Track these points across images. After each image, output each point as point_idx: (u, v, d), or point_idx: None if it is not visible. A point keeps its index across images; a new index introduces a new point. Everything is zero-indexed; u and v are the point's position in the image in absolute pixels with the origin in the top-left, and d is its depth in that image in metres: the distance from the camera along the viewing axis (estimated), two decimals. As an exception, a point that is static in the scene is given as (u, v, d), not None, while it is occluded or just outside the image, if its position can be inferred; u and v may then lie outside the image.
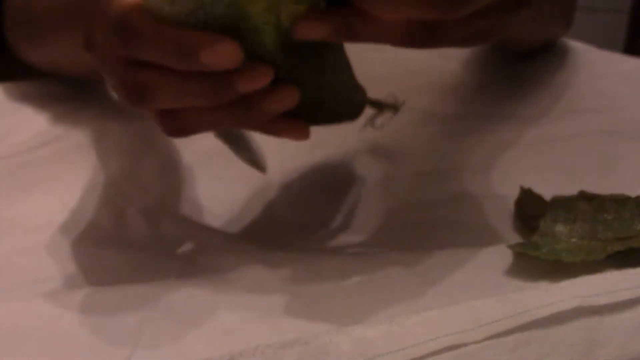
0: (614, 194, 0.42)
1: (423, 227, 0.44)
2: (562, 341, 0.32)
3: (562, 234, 0.40)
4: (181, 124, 0.34)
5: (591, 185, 0.44)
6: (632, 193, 0.43)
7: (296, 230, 0.44)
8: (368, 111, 0.41)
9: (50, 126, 0.58)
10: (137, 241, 0.43)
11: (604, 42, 0.82)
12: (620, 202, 0.42)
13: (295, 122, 0.37)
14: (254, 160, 0.52)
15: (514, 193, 0.44)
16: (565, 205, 0.42)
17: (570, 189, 0.43)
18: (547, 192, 0.44)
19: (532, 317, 0.33)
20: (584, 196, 0.42)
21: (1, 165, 0.52)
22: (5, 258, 0.41)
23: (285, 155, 0.53)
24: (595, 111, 0.64)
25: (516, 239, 0.42)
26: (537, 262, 0.38)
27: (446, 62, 0.67)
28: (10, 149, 0.55)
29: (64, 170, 0.51)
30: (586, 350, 0.32)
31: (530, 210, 0.43)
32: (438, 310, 0.33)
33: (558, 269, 0.37)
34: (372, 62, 0.80)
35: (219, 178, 0.50)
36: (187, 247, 0.42)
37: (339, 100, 0.40)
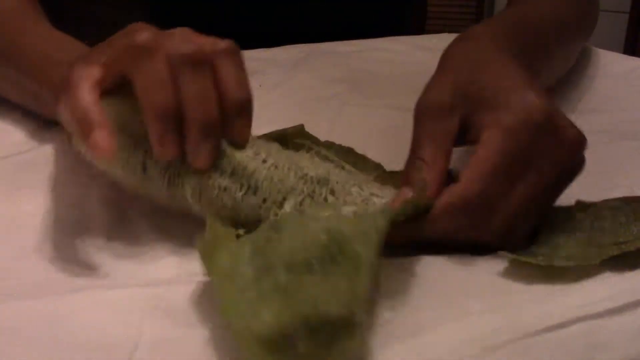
0: (609, 201, 0.42)
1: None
2: (562, 346, 0.32)
3: (560, 247, 0.40)
4: None
5: (591, 186, 0.44)
6: (632, 193, 0.43)
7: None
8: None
9: (50, 126, 0.58)
10: (138, 240, 0.43)
11: (604, 42, 0.82)
12: (616, 208, 0.41)
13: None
14: None
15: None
16: (563, 216, 0.42)
17: (569, 189, 0.43)
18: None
19: (527, 331, 0.33)
20: (580, 206, 0.42)
21: (1, 165, 0.52)
22: (6, 258, 0.41)
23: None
24: (595, 111, 0.64)
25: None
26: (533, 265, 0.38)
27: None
28: (10, 149, 0.54)
29: (63, 170, 0.51)
30: (586, 354, 0.32)
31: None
32: (432, 333, 0.33)
33: (554, 270, 0.37)
34: (376, 63, 0.80)
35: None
36: (188, 247, 0.42)
37: None
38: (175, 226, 0.44)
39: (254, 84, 0.72)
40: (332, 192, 0.40)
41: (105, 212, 0.45)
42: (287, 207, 0.40)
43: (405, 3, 1.04)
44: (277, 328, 0.30)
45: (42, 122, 0.59)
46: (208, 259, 0.35)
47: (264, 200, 0.39)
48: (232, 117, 0.40)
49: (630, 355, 0.32)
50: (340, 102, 0.65)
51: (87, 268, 0.40)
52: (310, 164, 0.41)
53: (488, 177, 0.38)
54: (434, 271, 0.39)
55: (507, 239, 0.40)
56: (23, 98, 0.59)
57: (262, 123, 0.58)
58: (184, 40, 0.39)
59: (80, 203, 0.47)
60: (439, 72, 0.44)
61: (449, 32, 0.84)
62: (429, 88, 0.43)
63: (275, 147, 0.43)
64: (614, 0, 2.30)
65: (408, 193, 0.40)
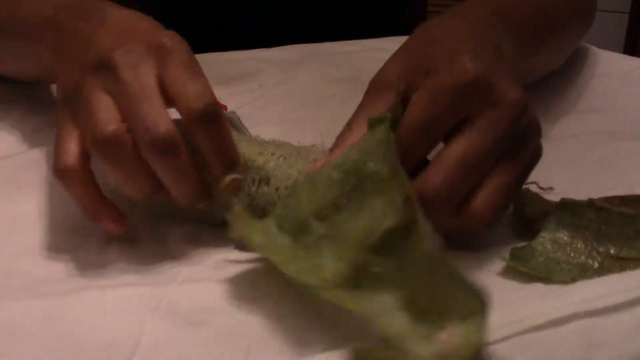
0: (622, 208, 0.42)
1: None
2: (560, 345, 0.32)
3: (564, 242, 0.40)
4: None
5: (591, 185, 0.44)
6: (632, 193, 0.43)
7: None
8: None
9: (51, 125, 0.58)
10: (139, 241, 0.43)
11: (604, 42, 0.82)
12: (627, 218, 0.41)
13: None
14: None
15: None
16: (572, 210, 0.42)
17: (570, 189, 0.43)
18: (546, 191, 0.44)
19: (526, 325, 0.33)
20: (592, 205, 0.42)
21: (1, 165, 0.52)
22: (6, 258, 0.41)
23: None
24: (595, 111, 0.64)
25: (515, 239, 0.42)
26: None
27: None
28: (11, 148, 0.55)
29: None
30: (585, 352, 0.32)
31: (529, 210, 0.43)
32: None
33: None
34: (376, 63, 0.80)
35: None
36: (188, 247, 0.42)
37: None
38: (176, 227, 0.44)
39: (254, 84, 0.73)
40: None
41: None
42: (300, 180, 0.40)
43: (405, 3, 1.04)
44: (344, 266, 0.31)
45: (42, 121, 0.59)
46: (246, 236, 0.36)
47: (277, 189, 0.40)
48: (220, 176, 0.40)
49: (628, 353, 0.32)
50: (340, 102, 0.65)
51: (87, 268, 0.40)
52: (320, 154, 0.42)
53: (410, 135, 0.38)
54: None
55: (444, 202, 0.38)
56: (32, 69, 0.57)
57: (262, 123, 0.58)
58: (152, 121, 0.37)
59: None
60: (397, 50, 0.44)
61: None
62: (383, 66, 0.43)
63: (283, 143, 0.43)
64: (614, 0, 2.30)
65: (330, 155, 0.40)
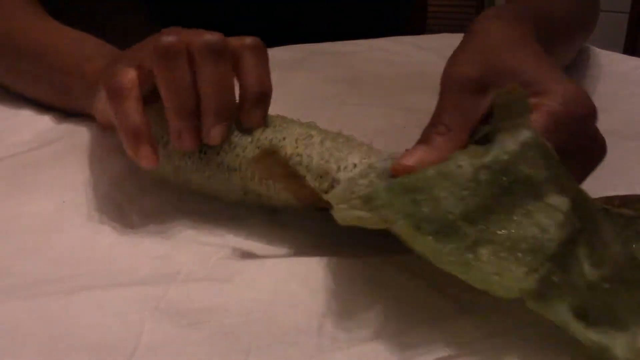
0: (622, 209, 0.42)
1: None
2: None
3: None
4: None
5: (591, 185, 0.44)
6: (632, 192, 0.43)
7: (300, 234, 0.44)
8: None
9: (51, 126, 0.58)
10: (139, 241, 0.43)
11: (604, 42, 0.82)
12: (627, 218, 0.41)
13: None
14: None
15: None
16: None
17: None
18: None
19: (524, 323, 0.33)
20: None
21: (1, 165, 0.52)
22: (6, 258, 0.41)
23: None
24: (595, 111, 0.64)
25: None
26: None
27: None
28: (11, 149, 0.55)
29: (64, 170, 0.51)
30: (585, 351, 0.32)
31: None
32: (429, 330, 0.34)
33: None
34: (376, 63, 0.80)
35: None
36: (188, 247, 0.42)
37: None
38: (176, 227, 0.44)
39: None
40: (347, 139, 0.43)
41: (106, 213, 0.45)
42: (316, 139, 0.42)
43: (406, 3, 1.04)
44: (530, 277, 0.31)
45: (45, 123, 0.59)
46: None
47: (285, 139, 0.43)
48: (250, 106, 0.43)
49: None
50: (340, 102, 0.65)
51: (87, 268, 0.40)
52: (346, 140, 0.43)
53: None
54: (438, 270, 0.39)
55: None
56: (48, 93, 0.61)
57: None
58: (210, 33, 0.42)
59: (81, 204, 0.47)
60: (467, 46, 0.43)
61: (449, 32, 0.84)
62: (457, 60, 0.42)
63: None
64: (614, 0, 2.30)
65: (420, 150, 0.38)
